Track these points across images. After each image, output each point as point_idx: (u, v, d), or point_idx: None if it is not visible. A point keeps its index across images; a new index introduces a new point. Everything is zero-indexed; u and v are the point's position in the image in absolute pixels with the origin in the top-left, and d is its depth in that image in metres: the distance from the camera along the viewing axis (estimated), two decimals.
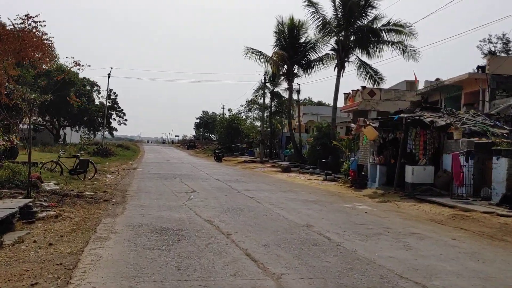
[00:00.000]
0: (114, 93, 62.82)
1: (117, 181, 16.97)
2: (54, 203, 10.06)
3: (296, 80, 36.13)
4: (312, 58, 34.09)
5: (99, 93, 60.35)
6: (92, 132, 56.72)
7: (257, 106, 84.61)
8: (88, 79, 58.47)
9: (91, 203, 10.53)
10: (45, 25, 11.00)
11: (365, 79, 30.73)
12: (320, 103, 74.62)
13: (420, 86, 36.36)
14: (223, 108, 73.67)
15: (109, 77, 39.76)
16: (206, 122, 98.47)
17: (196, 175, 20.84)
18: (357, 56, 30.20)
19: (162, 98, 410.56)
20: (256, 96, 44.99)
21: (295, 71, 34.91)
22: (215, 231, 7.72)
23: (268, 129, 42.58)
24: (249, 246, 6.66)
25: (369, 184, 17.02)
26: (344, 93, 37.27)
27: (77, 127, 56.69)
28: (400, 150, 15.22)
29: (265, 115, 55.27)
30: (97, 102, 58.61)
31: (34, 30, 10.62)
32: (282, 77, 36.39)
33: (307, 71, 34.72)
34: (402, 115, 15.59)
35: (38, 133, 51.55)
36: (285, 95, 44.41)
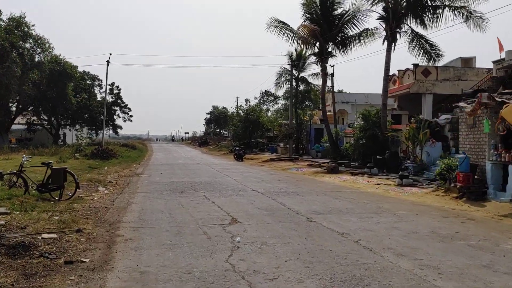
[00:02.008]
0: (117, 87, 57.20)
1: (110, 199, 11.33)
2: None
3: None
4: (351, 33, 28.25)
5: (101, 87, 54.93)
6: (94, 131, 51.19)
7: (272, 98, 79.00)
8: (89, 72, 53.18)
9: (32, 275, 4.86)
10: None
11: (418, 55, 25.00)
12: (339, 92, 68.44)
13: (477, 63, 30.53)
14: (237, 101, 67.67)
15: (107, 65, 34.04)
16: (217, 117, 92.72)
17: (222, 184, 15.14)
18: (409, 26, 24.37)
19: (170, 94, 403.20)
20: (278, 83, 38.82)
21: (329, 50, 29.02)
22: None
23: (294, 121, 36.66)
24: None
25: (490, 194, 11.18)
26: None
27: (78, 125, 51.04)
28: None
29: (285, 104, 49.57)
30: (99, 97, 53.11)
31: None
32: (314, 57, 30.35)
33: (343, 49, 28.86)
34: None
35: (34, 133, 46.27)
36: (313, 80, 38.66)
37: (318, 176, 19.31)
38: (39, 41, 39.78)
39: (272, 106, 74.33)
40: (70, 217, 8.13)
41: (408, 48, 24.83)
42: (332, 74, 32.61)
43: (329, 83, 35.22)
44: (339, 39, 28.66)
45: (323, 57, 28.78)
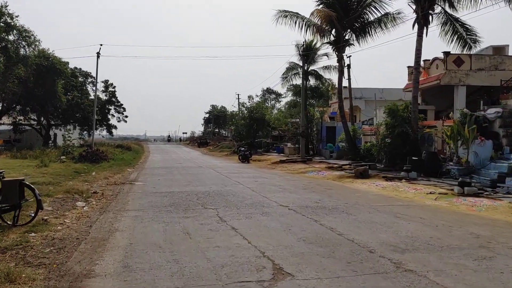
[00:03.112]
0: (112, 84, 53.74)
1: (88, 222, 8.10)
2: None
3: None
4: (371, 19, 25.16)
5: (94, 85, 51.35)
6: (86, 131, 47.80)
7: (274, 96, 75.67)
8: (80, 69, 49.71)
9: None
10: None
11: (451, 41, 22.14)
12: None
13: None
14: (238, 98, 64.36)
15: (98, 57, 30.62)
16: (216, 117, 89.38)
17: (236, 195, 11.91)
18: (442, 8, 21.36)
19: (167, 93, 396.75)
20: (286, 77, 35.56)
21: (346, 38, 25.85)
22: None
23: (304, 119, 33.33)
24: None
25: None
26: (408, 67, 28.13)
27: (70, 126, 47.46)
28: None
29: (292, 100, 46.56)
30: (92, 96, 49.57)
31: None
32: (330, 47, 27.06)
33: (362, 37, 25.73)
34: None
35: (22, 134, 42.85)
36: (323, 74, 35.36)
37: (347, 181, 16.12)
38: (23, 33, 36.30)
39: (275, 104, 71.12)
40: (5, 267, 4.89)
41: (440, 34, 22.01)
42: (348, 66, 29.38)
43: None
44: (357, 25, 25.57)
45: (339, 45, 25.60)
